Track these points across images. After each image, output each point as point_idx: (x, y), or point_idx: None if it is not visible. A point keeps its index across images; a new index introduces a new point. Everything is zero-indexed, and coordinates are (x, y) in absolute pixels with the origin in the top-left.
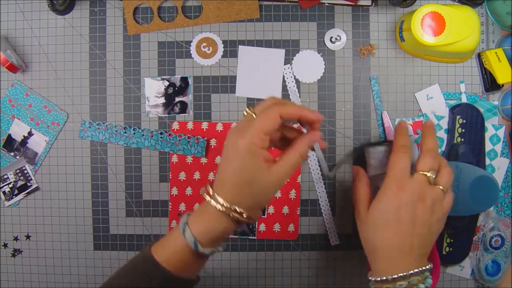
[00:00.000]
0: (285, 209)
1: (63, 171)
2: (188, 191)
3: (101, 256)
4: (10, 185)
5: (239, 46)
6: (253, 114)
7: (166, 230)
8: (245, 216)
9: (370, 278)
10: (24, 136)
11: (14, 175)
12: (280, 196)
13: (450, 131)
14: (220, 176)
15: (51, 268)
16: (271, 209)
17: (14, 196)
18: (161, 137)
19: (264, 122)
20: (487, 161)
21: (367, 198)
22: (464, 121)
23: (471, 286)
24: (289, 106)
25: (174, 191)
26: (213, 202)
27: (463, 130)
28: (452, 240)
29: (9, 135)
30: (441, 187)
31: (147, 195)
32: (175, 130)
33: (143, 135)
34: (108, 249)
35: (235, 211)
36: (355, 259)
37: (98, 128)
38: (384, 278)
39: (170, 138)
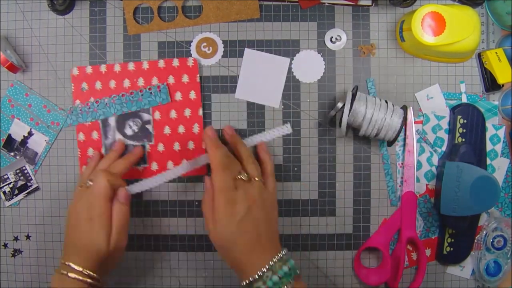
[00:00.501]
0: (191, 144)
1: (63, 171)
2: (95, 135)
3: None
4: (10, 185)
5: (245, 48)
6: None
7: (166, 230)
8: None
9: (242, 283)
10: (24, 136)
11: (14, 175)
12: (185, 131)
13: (451, 131)
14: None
15: (51, 268)
16: (176, 146)
17: (14, 196)
18: (124, 99)
19: (99, 190)
20: (487, 161)
21: (211, 214)
22: (465, 121)
23: (471, 286)
24: (117, 165)
25: (81, 136)
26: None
27: (464, 130)
28: (453, 240)
29: (9, 135)
30: (256, 179)
31: (147, 195)
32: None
33: (106, 103)
34: None
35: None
36: (351, 259)
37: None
38: (251, 279)
39: (132, 97)
